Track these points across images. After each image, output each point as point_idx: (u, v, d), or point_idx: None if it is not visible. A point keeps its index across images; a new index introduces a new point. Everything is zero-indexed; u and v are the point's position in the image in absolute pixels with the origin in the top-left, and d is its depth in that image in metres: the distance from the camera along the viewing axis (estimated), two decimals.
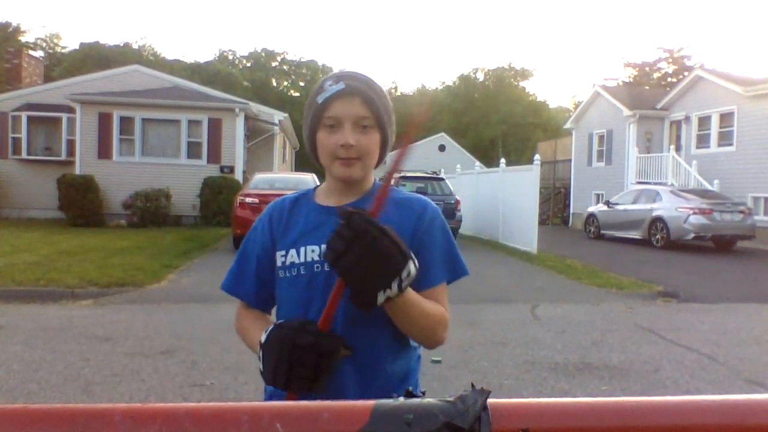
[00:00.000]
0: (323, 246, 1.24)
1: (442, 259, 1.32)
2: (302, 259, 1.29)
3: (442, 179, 15.65)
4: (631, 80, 43.21)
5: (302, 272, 1.29)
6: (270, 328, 1.19)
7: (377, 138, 1.29)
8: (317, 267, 1.27)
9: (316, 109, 1.27)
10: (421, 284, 1.26)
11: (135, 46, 49.92)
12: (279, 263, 1.33)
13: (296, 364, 1.11)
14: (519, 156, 42.43)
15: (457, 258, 1.35)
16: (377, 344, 1.27)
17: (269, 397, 1.31)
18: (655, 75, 43.73)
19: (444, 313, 1.29)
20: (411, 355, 1.35)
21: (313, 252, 1.28)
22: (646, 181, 17.95)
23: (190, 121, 17.34)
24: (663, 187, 15.63)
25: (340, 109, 1.25)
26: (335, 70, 1.39)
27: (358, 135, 1.26)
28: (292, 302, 1.31)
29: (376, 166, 1.35)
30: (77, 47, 46.60)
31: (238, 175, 17.24)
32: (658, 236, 14.33)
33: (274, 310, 1.40)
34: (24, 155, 18.46)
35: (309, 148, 1.33)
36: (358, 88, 1.26)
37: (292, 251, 1.30)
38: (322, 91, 1.27)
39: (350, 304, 1.19)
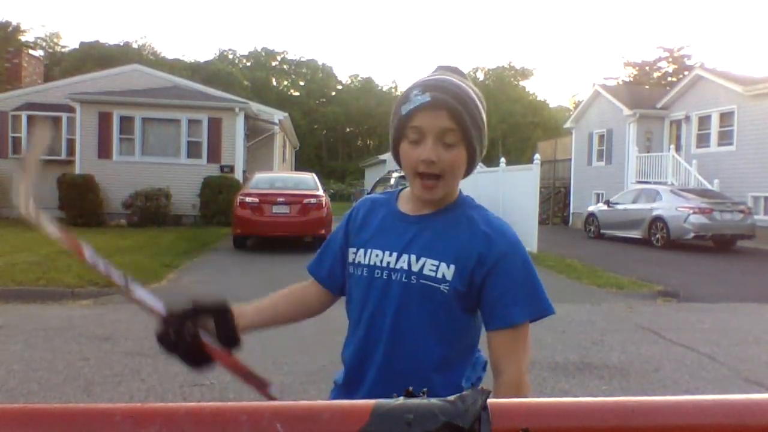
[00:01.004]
0: (386, 252, 1.27)
1: (517, 295, 1.21)
2: (367, 261, 1.30)
3: None
4: (631, 79, 43.24)
5: (365, 274, 1.30)
6: None
7: (463, 154, 1.22)
8: (377, 273, 1.27)
9: (400, 119, 1.23)
10: (493, 322, 1.23)
11: (135, 46, 49.97)
12: (350, 259, 1.34)
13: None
14: (519, 155, 42.45)
15: (536, 293, 1.23)
16: (422, 351, 1.25)
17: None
18: (655, 74, 43.76)
19: (513, 381, 1.20)
20: (469, 364, 1.32)
21: (377, 257, 1.28)
22: (646, 180, 17.95)
23: (190, 121, 17.34)
24: (663, 187, 15.64)
25: (423, 122, 1.19)
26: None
27: (442, 151, 1.20)
28: (353, 301, 1.33)
29: (462, 179, 1.31)
30: (77, 46, 46.68)
31: (238, 175, 17.25)
32: (658, 236, 14.33)
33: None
34: (24, 155, 18.44)
35: (393, 156, 1.31)
36: (444, 101, 1.19)
37: (361, 251, 1.31)
38: (407, 101, 1.21)
39: (400, 311, 1.24)
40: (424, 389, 0.61)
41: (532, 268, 1.25)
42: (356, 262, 1.32)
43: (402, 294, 1.24)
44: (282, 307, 1.40)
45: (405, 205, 1.33)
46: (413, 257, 1.24)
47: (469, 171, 1.28)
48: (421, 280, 1.23)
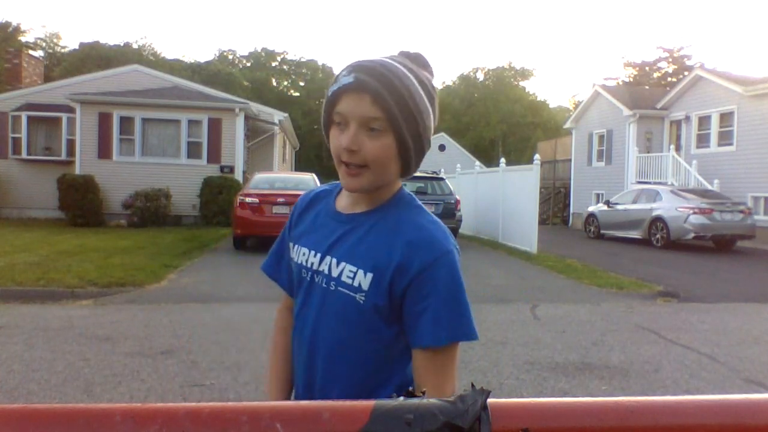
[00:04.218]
0: (312, 252, 1.18)
1: (439, 313, 1.06)
2: (297, 259, 1.22)
3: (442, 179, 15.63)
4: (631, 80, 43.23)
5: (296, 271, 1.23)
6: None
7: (391, 144, 1.08)
8: (303, 272, 1.20)
9: (327, 101, 1.12)
10: (412, 341, 1.09)
11: (135, 46, 49.93)
12: (291, 254, 1.26)
13: None
14: (519, 156, 42.46)
15: (460, 313, 1.08)
16: (337, 365, 1.16)
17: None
18: (655, 75, 43.74)
19: None
20: (390, 384, 1.15)
21: (303, 255, 1.20)
22: (646, 180, 17.96)
23: (190, 121, 17.34)
24: (663, 187, 15.64)
25: (346, 107, 1.07)
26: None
27: (365, 139, 1.07)
28: (297, 299, 1.25)
29: (404, 175, 1.15)
30: (77, 47, 46.64)
31: (238, 175, 17.24)
32: (658, 236, 14.33)
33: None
34: (24, 155, 18.47)
35: (325, 140, 1.18)
36: (368, 84, 1.05)
37: (296, 247, 1.24)
38: (335, 82, 1.10)
39: (319, 317, 1.15)
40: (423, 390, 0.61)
41: (459, 284, 1.09)
42: (292, 258, 1.24)
43: (322, 299, 1.15)
44: (288, 365, 1.31)
45: (342, 200, 1.22)
46: (334, 261, 1.14)
47: (407, 166, 1.13)
48: (339, 288, 1.12)
